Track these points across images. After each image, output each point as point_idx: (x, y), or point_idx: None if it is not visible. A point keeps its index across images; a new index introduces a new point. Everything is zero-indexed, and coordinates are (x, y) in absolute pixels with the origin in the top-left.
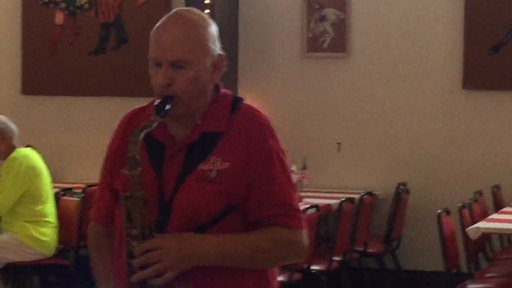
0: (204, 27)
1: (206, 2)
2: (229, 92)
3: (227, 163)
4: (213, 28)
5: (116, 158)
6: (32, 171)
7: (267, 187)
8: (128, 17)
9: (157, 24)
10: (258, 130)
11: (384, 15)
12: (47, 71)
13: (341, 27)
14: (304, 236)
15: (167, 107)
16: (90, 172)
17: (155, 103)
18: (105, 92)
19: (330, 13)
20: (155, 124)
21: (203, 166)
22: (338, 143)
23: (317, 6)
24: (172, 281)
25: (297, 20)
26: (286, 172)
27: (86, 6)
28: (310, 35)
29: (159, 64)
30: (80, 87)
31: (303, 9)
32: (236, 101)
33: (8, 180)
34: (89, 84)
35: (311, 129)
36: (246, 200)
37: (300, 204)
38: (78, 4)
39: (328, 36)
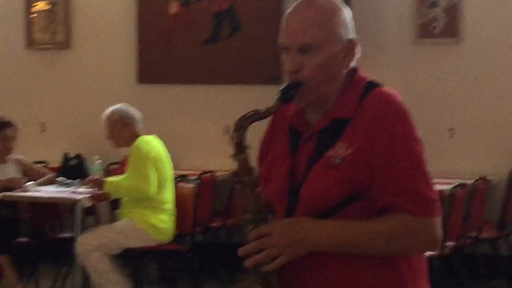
0: (333, 11)
1: None
2: (366, 76)
3: (351, 150)
4: (345, 13)
5: (262, 147)
6: (156, 157)
7: (391, 174)
8: (241, 5)
9: (287, 10)
10: (383, 114)
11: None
12: (162, 60)
13: (453, 13)
14: (435, 225)
15: (292, 94)
16: (205, 159)
17: (280, 90)
18: (219, 80)
19: None
20: (268, 112)
21: (330, 153)
22: (451, 129)
23: None
24: (287, 267)
25: (408, 6)
26: (414, 158)
27: None
28: (421, 21)
29: (287, 50)
30: (194, 75)
31: None
32: (370, 86)
33: (140, 166)
34: (203, 73)
35: (423, 115)
36: (370, 188)
37: (437, 195)
38: None
39: (439, 22)
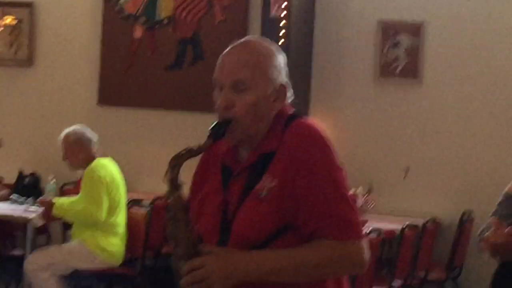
0: (269, 55)
1: (281, 24)
2: (288, 110)
3: (276, 181)
4: (279, 58)
5: (194, 182)
6: (110, 181)
7: (312, 201)
8: (206, 34)
9: (225, 50)
10: (302, 143)
11: (458, 42)
12: (124, 84)
13: (415, 53)
14: (359, 247)
15: (222, 131)
16: (160, 184)
17: (210, 127)
18: (180, 107)
19: (404, 39)
20: (201, 149)
21: (258, 187)
22: (406, 168)
23: (392, 32)
24: None
25: (370, 46)
26: (333, 184)
27: (165, 21)
28: (383, 61)
29: (220, 87)
30: (155, 100)
31: (377, 35)
32: (290, 118)
33: (93, 190)
34: (164, 98)
35: (380, 153)
36: (297, 217)
37: (359, 219)
38: (157, 19)
39: (401, 62)
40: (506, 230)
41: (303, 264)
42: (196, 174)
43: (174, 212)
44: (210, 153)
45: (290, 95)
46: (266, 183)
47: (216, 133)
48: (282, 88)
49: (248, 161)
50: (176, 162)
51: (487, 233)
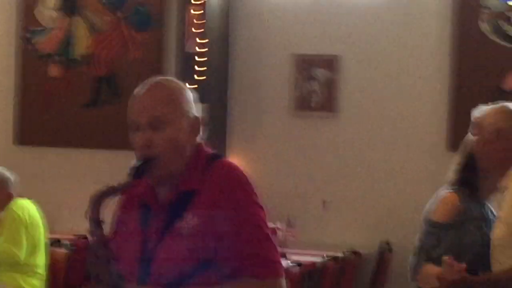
0: (179, 91)
1: (197, 60)
2: (208, 150)
3: (198, 219)
4: (189, 93)
5: (113, 222)
6: (29, 222)
7: (234, 239)
8: (121, 72)
9: (135, 91)
10: (226, 184)
11: (373, 75)
12: (41, 123)
13: (330, 87)
14: (279, 285)
15: (143, 169)
16: (82, 223)
17: (131, 166)
18: (97, 145)
19: (319, 72)
20: (121, 187)
21: (179, 224)
22: (324, 201)
23: (307, 66)
24: None
25: (286, 79)
26: (255, 223)
27: (80, 59)
28: (299, 94)
29: (137, 127)
30: (73, 139)
31: (292, 68)
32: (212, 158)
33: (13, 231)
34: (82, 137)
35: (298, 186)
36: (218, 255)
37: (279, 257)
38: (72, 57)
39: (316, 95)
40: (458, 266)
41: None
42: (115, 213)
43: (96, 251)
44: (128, 192)
45: (204, 129)
46: (187, 221)
47: (137, 172)
48: (196, 121)
49: (167, 198)
50: (97, 201)
51: (442, 270)
